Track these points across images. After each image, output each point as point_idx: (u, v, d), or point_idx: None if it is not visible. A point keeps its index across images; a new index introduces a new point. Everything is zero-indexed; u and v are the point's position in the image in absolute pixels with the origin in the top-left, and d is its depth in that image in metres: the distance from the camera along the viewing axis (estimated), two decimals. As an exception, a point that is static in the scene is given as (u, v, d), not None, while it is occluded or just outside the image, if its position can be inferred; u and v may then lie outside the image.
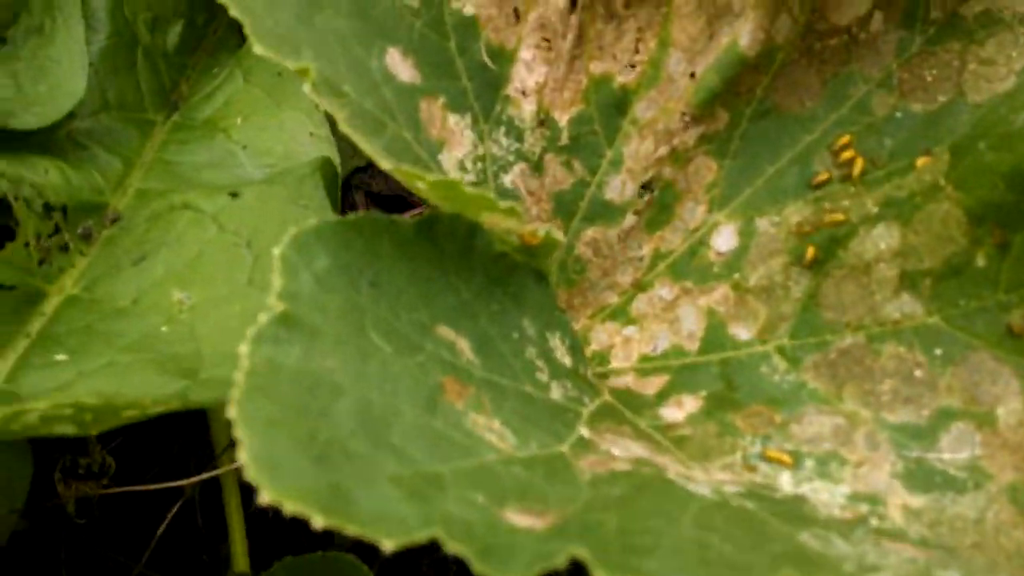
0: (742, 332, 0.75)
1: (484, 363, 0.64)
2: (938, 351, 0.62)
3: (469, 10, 0.78)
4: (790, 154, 0.78)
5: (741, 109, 0.78)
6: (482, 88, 0.81)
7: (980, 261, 0.59)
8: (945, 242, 0.61)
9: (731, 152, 0.80)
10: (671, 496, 0.54)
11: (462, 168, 0.80)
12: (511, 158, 0.82)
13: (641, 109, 0.81)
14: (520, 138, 0.82)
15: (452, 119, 0.79)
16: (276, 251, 0.54)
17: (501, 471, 0.53)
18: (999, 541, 0.54)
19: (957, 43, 0.70)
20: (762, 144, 0.79)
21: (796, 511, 0.57)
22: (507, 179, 0.83)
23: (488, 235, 0.65)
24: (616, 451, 0.64)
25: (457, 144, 0.80)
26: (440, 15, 0.78)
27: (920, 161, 0.65)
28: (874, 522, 0.57)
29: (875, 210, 0.66)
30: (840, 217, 0.68)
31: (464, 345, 0.63)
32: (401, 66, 0.75)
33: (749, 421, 0.68)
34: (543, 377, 0.68)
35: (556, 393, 0.68)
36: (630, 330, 0.84)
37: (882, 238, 0.65)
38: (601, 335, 0.86)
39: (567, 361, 0.73)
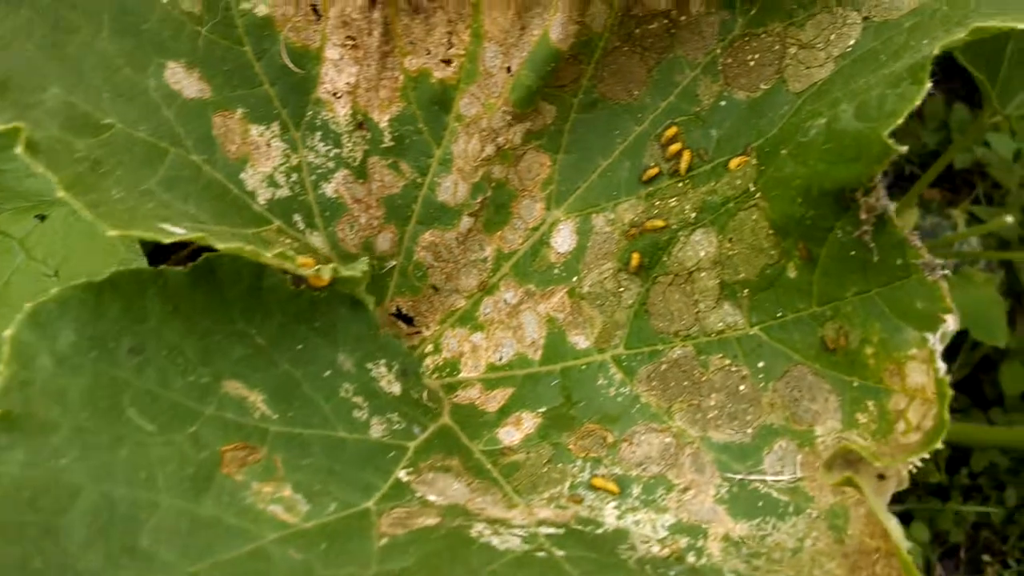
0: (581, 340, 0.71)
1: (284, 415, 0.59)
2: (761, 363, 0.59)
3: (262, 10, 0.71)
4: (622, 146, 0.73)
5: (567, 101, 0.73)
6: (288, 93, 0.74)
7: (791, 272, 0.56)
8: (757, 252, 0.57)
9: (563, 146, 0.75)
10: (466, 560, 0.50)
11: (272, 183, 0.74)
12: (331, 165, 0.76)
13: (464, 105, 0.75)
14: (338, 143, 0.76)
15: (255, 131, 0.73)
16: (7, 333, 0.48)
17: (275, 554, 0.49)
18: (813, 574, 0.52)
19: (779, 24, 0.65)
20: (593, 136, 0.74)
21: (611, 556, 0.54)
22: (329, 188, 0.77)
23: (279, 272, 0.60)
24: (432, 496, 0.60)
25: (264, 158, 0.73)
26: (229, 19, 0.70)
27: (734, 162, 0.61)
28: (691, 559, 0.54)
29: (693, 215, 0.62)
30: (660, 223, 0.64)
31: (257, 399, 0.58)
32: (185, 81, 0.68)
33: (581, 443, 0.65)
34: (362, 415, 0.64)
35: (377, 431, 0.64)
36: (478, 337, 0.80)
37: (701, 245, 0.62)
38: (451, 341, 0.82)
39: (395, 389, 0.68)
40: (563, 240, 0.76)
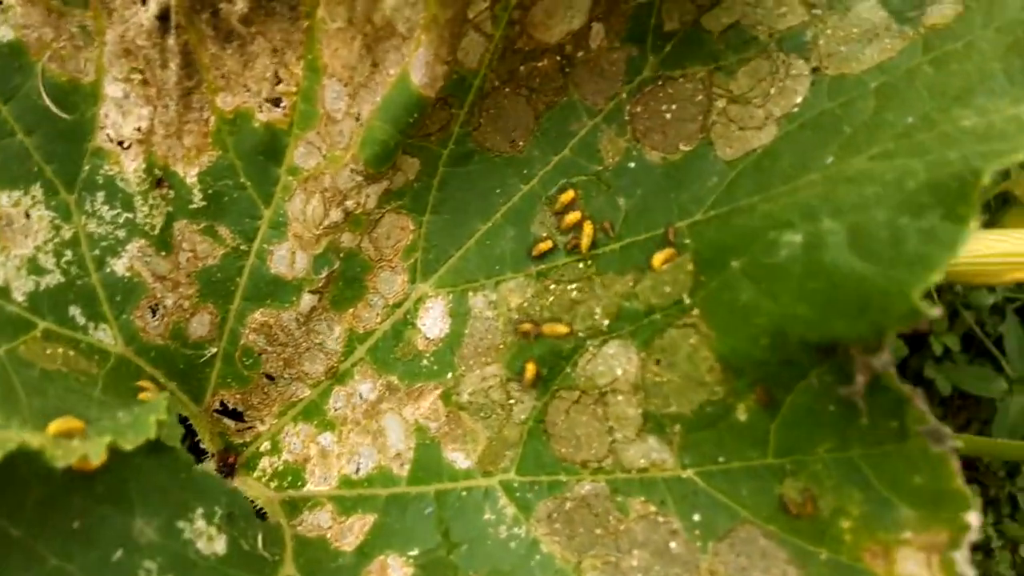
0: (460, 458, 0.57)
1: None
2: (697, 516, 0.46)
3: (6, 34, 0.51)
4: (504, 207, 0.58)
5: (435, 152, 0.57)
6: (54, 144, 0.54)
7: (741, 415, 0.43)
8: (695, 385, 0.44)
9: (430, 206, 0.59)
10: None
11: (34, 269, 0.54)
12: (121, 235, 0.57)
13: (300, 156, 0.57)
14: (130, 206, 0.57)
15: (5, 199, 0.53)
16: None
17: None
18: None
19: (701, 68, 0.51)
20: (470, 195, 0.59)
21: None
22: (119, 265, 0.58)
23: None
24: None
25: (20, 236, 0.54)
26: (-46, 45, 0.50)
27: (658, 257, 0.48)
28: None
29: (605, 323, 0.48)
30: (562, 329, 0.49)
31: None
32: None
33: (467, 609, 0.50)
34: (171, 598, 0.47)
35: (193, 617, 0.47)
36: (327, 438, 0.64)
37: (617, 362, 0.48)
38: (293, 440, 0.66)
39: (218, 547, 0.51)
40: (432, 322, 0.60)
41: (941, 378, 1.47)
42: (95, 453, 0.38)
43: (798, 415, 0.40)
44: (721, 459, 0.45)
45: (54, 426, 0.39)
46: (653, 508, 0.48)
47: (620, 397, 0.48)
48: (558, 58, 0.53)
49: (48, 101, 0.52)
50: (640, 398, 0.47)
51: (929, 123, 0.38)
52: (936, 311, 0.30)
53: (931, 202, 0.31)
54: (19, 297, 0.53)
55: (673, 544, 0.47)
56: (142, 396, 0.55)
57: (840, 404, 0.38)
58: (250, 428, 0.68)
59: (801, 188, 0.41)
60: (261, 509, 0.63)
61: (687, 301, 0.44)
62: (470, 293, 0.59)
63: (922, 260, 0.31)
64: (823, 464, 0.41)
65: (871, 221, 0.33)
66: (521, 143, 0.56)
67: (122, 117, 0.54)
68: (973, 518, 0.35)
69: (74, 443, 0.38)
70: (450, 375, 0.58)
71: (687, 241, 0.48)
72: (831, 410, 0.39)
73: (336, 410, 0.64)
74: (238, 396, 0.65)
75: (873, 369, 0.35)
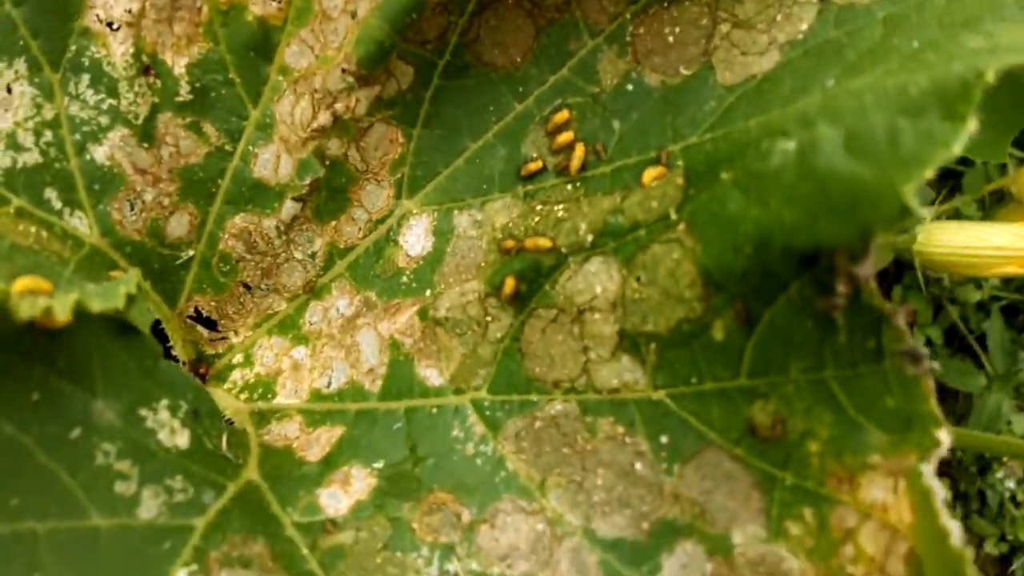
0: (432, 375, 0.56)
1: (3, 505, 0.41)
2: (664, 438, 0.46)
3: None
4: (496, 127, 0.57)
5: (430, 62, 0.56)
6: (42, 17, 0.53)
7: (717, 333, 0.42)
8: (674, 301, 0.43)
9: (421, 119, 0.58)
10: None
11: (12, 145, 0.53)
12: (104, 121, 0.56)
13: (292, 55, 0.56)
14: (114, 92, 0.55)
15: (-13, 70, 0.52)
16: None
17: None
18: None
19: (708, -9, 0.50)
20: (461, 111, 0.57)
21: None
22: (99, 152, 0.56)
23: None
24: (219, 610, 0.44)
25: (1, 108, 0.52)
26: (-59, -100, 0.48)
27: (648, 174, 0.47)
28: None
29: (589, 239, 0.47)
30: (545, 243, 0.49)
31: (-44, 485, 0.39)
32: None
33: (428, 521, 0.50)
34: (127, 488, 0.46)
35: (149, 509, 0.46)
36: (300, 352, 0.63)
37: (597, 279, 0.47)
38: (267, 353, 0.65)
39: (180, 441, 0.50)
40: (415, 240, 0.59)
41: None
42: (61, 310, 0.37)
43: (775, 333, 0.40)
44: (694, 380, 0.44)
45: (21, 282, 0.38)
46: (621, 429, 0.47)
47: (597, 315, 0.47)
48: (564, -29, 0.52)
49: (36, -29, 0.51)
50: (617, 315, 0.46)
51: (935, 47, 0.37)
52: (924, 212, 0.29)
53: (931, 104, 0.30)
54: (-7, 170, 0.52)
55: (639, 465, 0.46)
56: (113, 284, 0.54)
57: (818, 320, 0.38)
58: (223, 339, 0.67)
59: (799, 105, 0.40)
60: (229, 419, 0.62)
61: (673, 216, 0.43)
62: (455, 212, 0.58)
63: (916, 158, 0.30)
64: (795, 386, 0.40)
65: (868, 124, 0.32)
66: (518, 59, 0.55)
67: (112, -3, 0.53)
68: (943, 435, 0.34)
69: (40, 299, 0.37)
70: (429, 292, 0.57)
71: (679, 163, 0.47)
72: (808, 327, 0.38)
73: (311, 324, 0.63)
74: (213, 304, 0.64)
75: (855, 279, 0.34)
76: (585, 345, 0.48)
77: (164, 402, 0.51)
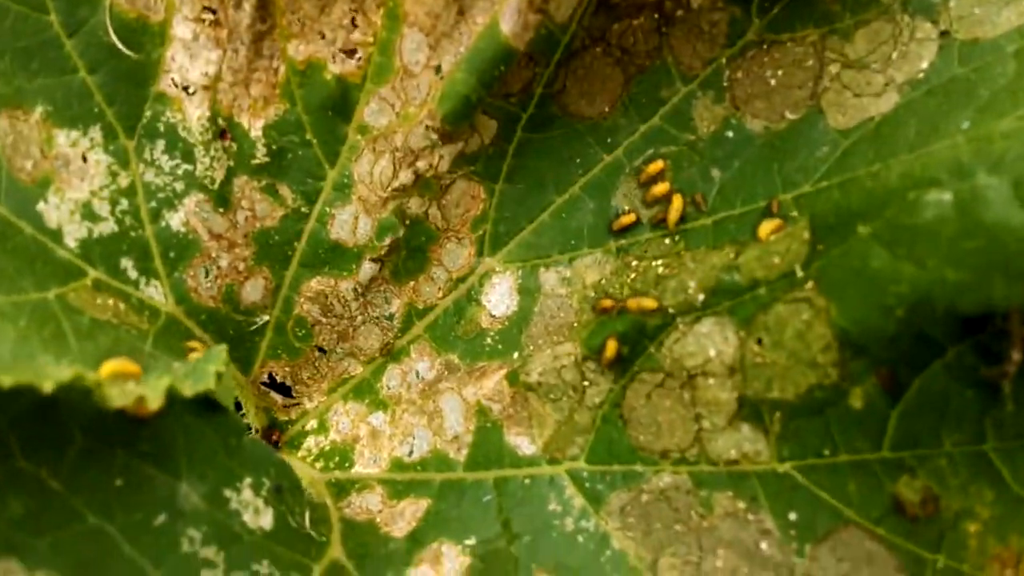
0: (524, 443, 0.53)
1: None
2: (793, 516, 0.42)
3: (75, -39, 0.48)
4: (584, 179, 0.54)
5: (514, 114, 0.53)
6: (117, 84, 0.51)
7: (855, 401, 0.39)
8: (804, 366, 0.40)
9: (504, 173, 0.56)
10: None
11: (88, 215, 0.51)
12: (179, 187, 0.54)
13: (371, 113, 0.54)
14: (190, 157, 0.54)
15: (63, 138, 0.50)
16: None
17: None
18: None
19: (813, 31, 0.47)
20: (546, 163, 0.55)
21: None
22: (175, 219, 0.55)
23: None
24: None
25: (76, 179, 0.51)
26: (22, -29, 0.47)
27: (765, 227, 0.43)
28: None
29: (700, 298, 0.44)
30: (651, 304, 0.46)
31: (41, 580, 0.37)
32: (-54, 63, 0.45)
33: (530, 605, 0.46)
34: (216, 571, 0.43)
35: (237, 592, 0.44)
36: (379, 418, 0.60)
37: (711, 341, 0.44)
38: (342, 419, 0.62)
39: (264, 522, 0.48)
40: (499, 299, 0.57)
41: None
42: (153, 396, 0.34)
43: (926, 401, 0.36)
44: (826, 452, 0.40)
45: (109, 366, 0.36)
46: (742, 504, 0.43)
47: (712, 380, 0.44)
48: (655, 16, 0.50)
49: (115, 38, 0.50)
50: (736, 381, 0.43)
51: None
52: None
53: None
54: (71, 243, 0.50)
55: (764, 545, 0.42)
56: (191, 356, 0.52)
57: (979, 388, 0.34)
58: (297, 404, 0.64)
59: (940, 151, 0.36)
60: (306, 488, 0.59)
61: (799, 273, 0.40)
62: (541, 269, 0.55)
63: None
64: (949, 459, 0.36)
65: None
66: (607, 109, 0.53)
67: (189, 60, 0.52)
68: None
69: (130, 384, 0.34)
70: (516, 355, 0.55)
71: (793, 214, 0.44)
72: (967, 396, 0.34)
73: (389, 389, 0.60)
74: (287, 369, 0.62)
75: (1033, 344, 0.30)
76: (697, 412, 0.45)
77: (248, 480, 0.48)
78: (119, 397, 0.33)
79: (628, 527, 0.47)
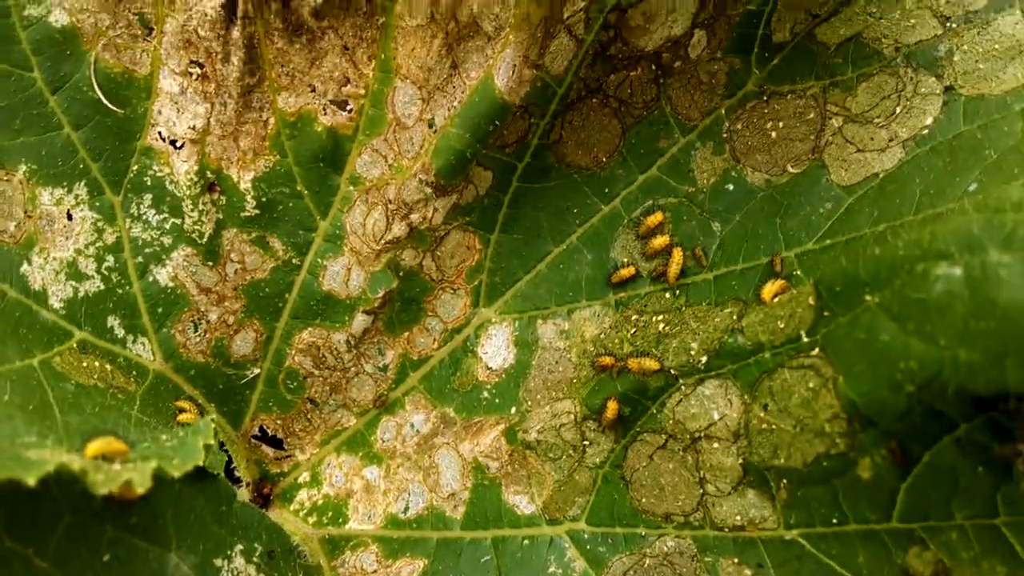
0: (522, 503, 0.51)
1: None
2: (801, 585, 0.41)
3: (60, 19, 0.47)
4: (581, 230, 0.53)
5: (509, 165, 0.52)
6: (102, 140, 0.50)
7: (864, 472, 0.38)
8: (811, 435, 0.39)
9: (500, 223, 0.54)
10: None
11: (73, 274, 0.50)
12: (167, 241, 0.53)
13: (363, 164, 0.53)
14: (177, 211, 0.53)
15: (47, 196, 0.49)
16: None
17: None
18: None
19: (815, 83, 0.47)
20: (543, 214, 0.54)
21: None
22: (163, 274, 0.53)
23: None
24: None
25: (61, 237, 0.49)
26: (7, 30, 0.46)
27: (769, 289, 0.42)
28: None
29: (703, 359, 0.43)
30: (652, 365, 0.44)
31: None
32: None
33: None
34: (203, 649, 0.42)
35: (227, 672, 0.42)
36: (373, 472, 0.59)
37: (714, 404, 0.43)
38: (335, 472, 0.60)
39: (255, 589, 0.46)
40: (495, 351, 0.55)
41: None
42: (140, 480, 0.33)
43: (936, 475, 0.35)
44: (835, 520, 0.39)
45: (93, 446, 0.35)
46: (748, 571, 0.42)
47: (716, 445, 0.43)
48: (653, 67, 0.49)
49: (100, 93, 0.48)
50: (741, 446, 0.41)
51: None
52: None
53: None
54: (56, 304, 0.49)
55: (772, 615, 0.41)
56: (181, 418, 0.51)
57: (990, 465, 0.33)
58: (289, 457, 0.63)
59: (947, 216, 0.35)
60: (298, 545, 0.58)
61: (805, 339, 0.39)
62: (539, 321, 0.54)
63: None
64: (960, 532, 0.35)
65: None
66: (604, 159, 0.52)
67: (176, 114, 0.50)
68: None
69: (116, 467, 0.33)
70: (514, 410, 0.53)
71: (797, 272, 0.43)
72: (978, 472, 0.33)
73: (384, 442, 0.59)
74: (279, 422, 0.61)
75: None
76: (702, 476, 0.44)
77: (239, 547, 0.47)
78: (104, 483, 0.32)
79: (632, 593, 0.45)
